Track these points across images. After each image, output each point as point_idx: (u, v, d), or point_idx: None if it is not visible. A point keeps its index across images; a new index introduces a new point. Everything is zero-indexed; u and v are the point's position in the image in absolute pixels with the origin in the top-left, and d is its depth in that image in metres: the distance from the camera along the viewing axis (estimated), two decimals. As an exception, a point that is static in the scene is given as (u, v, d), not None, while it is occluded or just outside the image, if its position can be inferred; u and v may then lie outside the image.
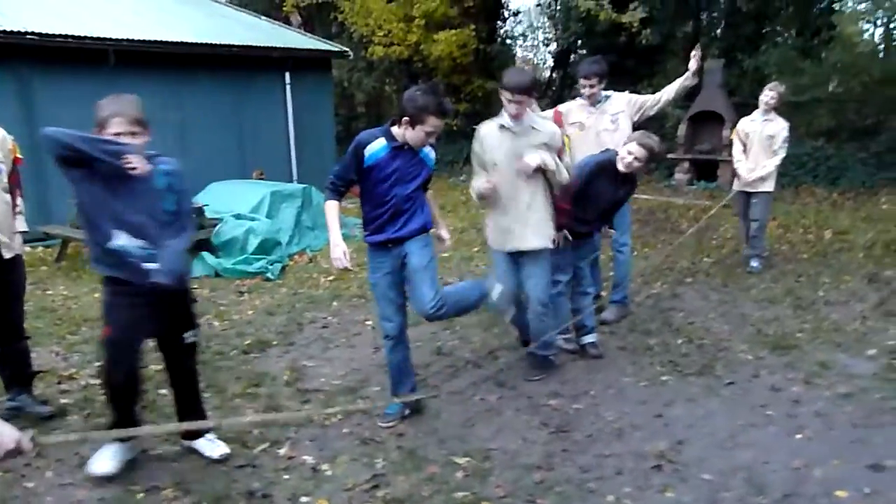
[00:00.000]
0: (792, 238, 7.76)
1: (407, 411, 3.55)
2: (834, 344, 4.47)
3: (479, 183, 3.69)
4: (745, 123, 6.23)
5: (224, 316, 5.36)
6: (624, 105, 4.79)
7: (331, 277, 6.45)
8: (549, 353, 4.05)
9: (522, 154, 3.60)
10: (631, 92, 5.14)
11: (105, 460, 2.98)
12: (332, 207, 3.34)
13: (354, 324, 5.14)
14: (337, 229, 3.30)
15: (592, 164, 4.10)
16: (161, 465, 3.12)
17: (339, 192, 3.34)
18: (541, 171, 3.63)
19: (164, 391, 3.89)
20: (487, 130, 3.74)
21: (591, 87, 4.71)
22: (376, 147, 3.21)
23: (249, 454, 3.19)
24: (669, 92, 4.93)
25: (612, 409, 3.61)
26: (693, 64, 4.87)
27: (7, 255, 3.32)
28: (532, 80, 3.68)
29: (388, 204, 3.25)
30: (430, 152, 3.36)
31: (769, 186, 6.10)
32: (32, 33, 8.41)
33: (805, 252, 7.06)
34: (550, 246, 3.83)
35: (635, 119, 4.84)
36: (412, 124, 3.13)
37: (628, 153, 3.97)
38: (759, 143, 6.04)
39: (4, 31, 8.18)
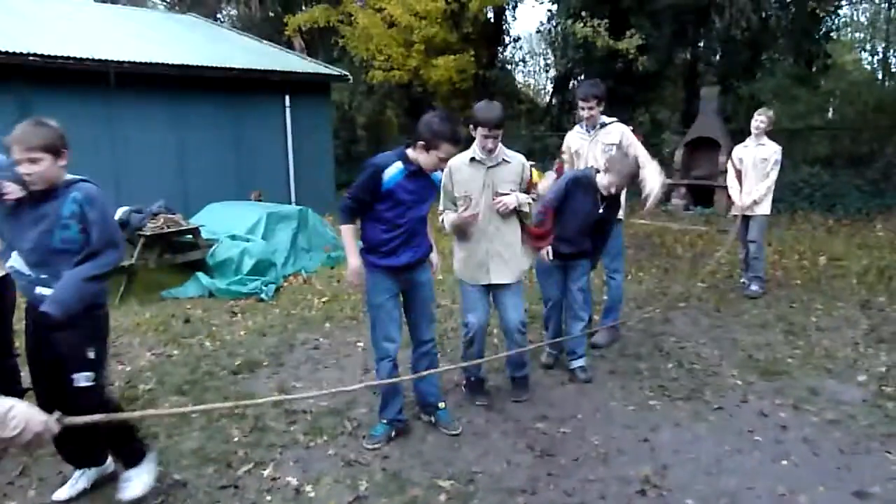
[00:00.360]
0: (786, 264, 7.77)
1: (393, 433, 3.54)
2: (824, 370, 4.47)
3: (454, 215, 3.65)
4: (738, 150, 6.37)
5: (216, 336, 5.36)
6: (618, 138, 4.77)
7: (325, 299, 6.46)
8: (526, 373, 4.10)
9: (496, 187, 3.65)
10: (628, 119, 5.12)
11: (66, 487, 2.98)
12: (348, 231, 3.39)
13: (346, 345, 5.14)
14: (355, 252, 3.37)
15: (568, 180, 4.18)
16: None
17: (355, 215, 3.37)
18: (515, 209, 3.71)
19: (151, 410, 3.91)
20: (457, 164, 3.68)
21: (590, 108, 4.71)
22: (394, 171, 3.24)
23: (233, 475, 3.18)
24: (649, 181, 4.53)
25: (599, 433, 3.60)
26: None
27: None
28: (502, 115, 3.64)
29: (402, 227, 3.29)
30: (438, 175, 3.49)
31: (765, 209, 6.20)
32: (34, 54, 8.54)
33: (799, 278, 7.07)
34: (523, 279, 3.93)
35: None
36: (427, 149, 3.20)
37: (609, 182, 4.06)
38: (752, 168, 6.16)
39: (6, 52, 8.30)
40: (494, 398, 4.05)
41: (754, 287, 6.30)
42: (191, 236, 7.20)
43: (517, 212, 3.75)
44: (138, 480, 2.93)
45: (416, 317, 3.55)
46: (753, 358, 4.70)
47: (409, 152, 3.26)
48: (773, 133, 6.33)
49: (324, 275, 7.52)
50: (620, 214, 4.72)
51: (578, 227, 4.18)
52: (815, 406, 3.89)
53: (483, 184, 3.65)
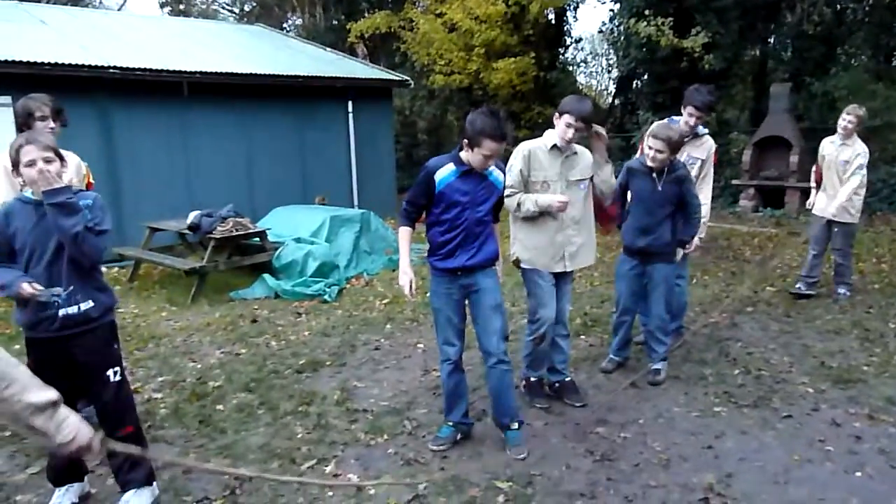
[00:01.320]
0: (863, 267, 7.43)
1: (458, 436, 3.56)
2: (903, 378, 4.26)
3: (547, 197, 3.65)
4: (824, 144, 6.04)
5: (281, 336, 5.52)
6: (703, 154, 4.70)
7: (385, 301, 6.57)
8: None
9: (568, 175, 3.75)
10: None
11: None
12: (404, 233, 3.44)
13: (406, 346, 5.21)
14: (407, 256, 3.42)
15: (623, 169, 4.29)
16: (211, 476, 3.23)
17: (411, 219, 3.42)
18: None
19: (220, 406, 4.07)
20: (535, 149, 3.73)
21: (699, 118, 4.59)
22: (446, 172, 3.27)
23: (296, 470, 3.28)
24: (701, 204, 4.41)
25: (661, 439, 3.54)
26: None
27: None
28: (592, 109, 3.70)
29: (459, 228, 3.27)
30: (498, 175, 3.36)
31: (850, 217, 5.82)
32: (114, 67, 8.99)
33: (877, 282, 6.75)
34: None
35: None
36: (471, 146, 3.18)
37: (648, 147, 4.04)
38: (833, 168, 5.86)
39: (88, 66, 8.77)
40: (554, 401, 4.02)
41: (841, 291, 6.08)
42: (258, 239, 7.44)
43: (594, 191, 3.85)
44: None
45: (479, 327, 3.40)
46: (826, 365, 4.52)
47: (463, 154, 3.27)
48: (860, 133, 5.95)
49: (385, 277, 7.63)
50: (703, 200, 4.55)
51: (646, 210, 4.14)
52: (893, 416, 3.71)
53: (560, 171, 3.72)
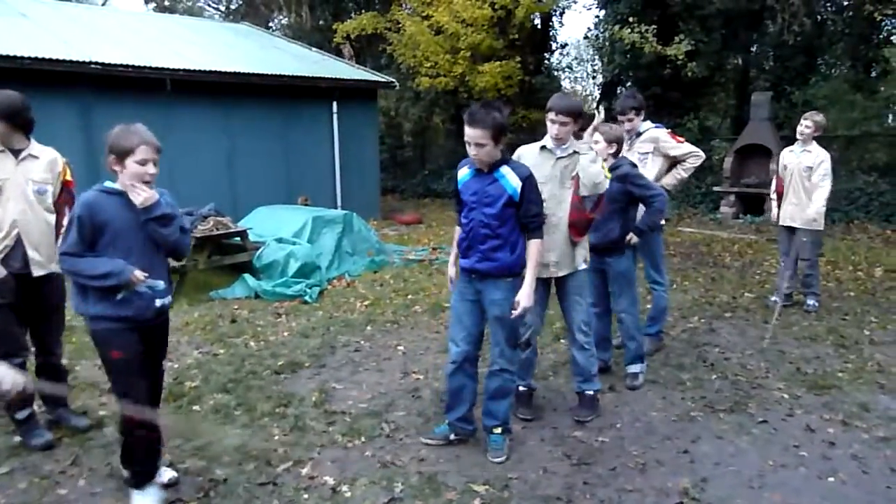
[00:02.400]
0: (840, 275, 7.54)
1: (452, 436, 3.54)
2: (876, 385, 4.32)
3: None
4: (784, 154, 6.11)
5: (260, 337, 5.48)
6: (650, 147, 4.80)
7: (366, 302, 6.54)
8: (596, 389, 3.92)
9: (565, 179, 3.61)
10: (676, 125, 5.07)
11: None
12: (455, 233, 3.51)
13: (386, 348, 5.19)
14: (452, 257, 3.52)
15: None
16: (185, 478, 3.19)
17: (459, 219, 3.43)
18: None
19: (196, 407, 4.03)
20: (527, 151, 3.73)
21: (629, 121, 4.78)
22: (465, 172, 3.34)
23: (272, 472, 3.25)
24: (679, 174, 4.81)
25: (638, 444, 3.55)
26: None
27: (37, 272, 3.42)
28: (576, 105, 3.63)
29: (468, 228, 3.28)
30: (511, 179, 3.19)
31: (817, 225, 5.84)
32: (96, 63, 8.90)
33: (853, 290, 6.84)
34: (584, 268, 3.81)
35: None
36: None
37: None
38: (797, 175, 5.88)
39: (70, 61, 8.68)
40: (533, 405, 4.02)
41: (811, 302, 6.08)
42: (239, 239, 7.38)
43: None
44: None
45: (490, 334, 3.37)
46: (801, 371, 4.57)
47: None
48: (826, 139, 6.07)
49: (367, 279, 7.61)
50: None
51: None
52: (866, 422, 3.76)
53: (550, 174, 3.61)
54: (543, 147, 3.68)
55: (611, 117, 4.38)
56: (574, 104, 3.63)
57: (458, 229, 3.45)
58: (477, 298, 3.34)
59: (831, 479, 3.17)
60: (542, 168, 3.62)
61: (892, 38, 15.07)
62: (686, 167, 4.79)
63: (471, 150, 3.16)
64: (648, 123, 4.87)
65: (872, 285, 7.02)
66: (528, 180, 3.21)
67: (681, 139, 4.87)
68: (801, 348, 5.05)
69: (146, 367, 2.89)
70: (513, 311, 3.23)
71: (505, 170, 3.21)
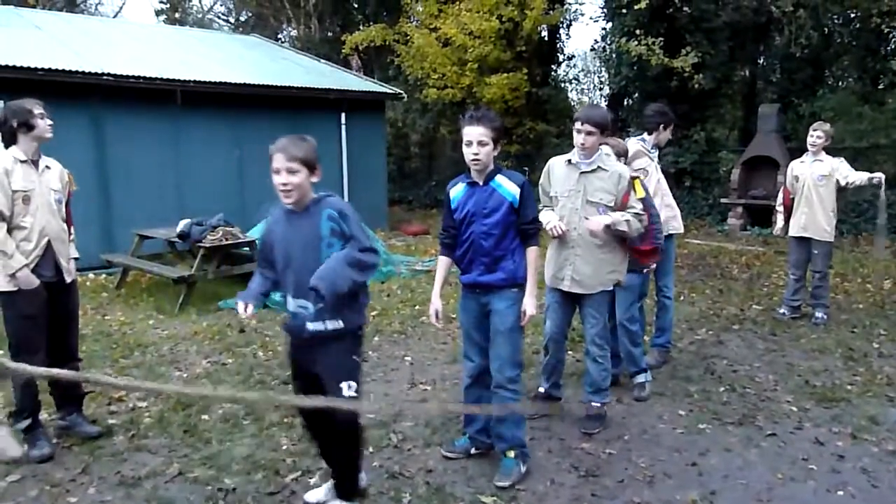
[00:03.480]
0: (849, 287, 7.52)
1: (473, 450, 3.54)
2: (886, 398, 4.30)
3: (551, 218, 3.64)
4: (795, 165, 6.14)
5: (269, 346, 5.50)
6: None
7: (374, 313, 6.56)
8: (604, 402, 3.94)
9: (588, 194, 3.62)
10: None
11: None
12: (439, 263, 3.45)
13: (393, 359, 5.20)
14: (436, 285, 3.44)
15: None
16: (194, 486, 3.21)
17: (444, 244, 3.39)
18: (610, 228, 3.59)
19: (205, 416, 4.04)
20: (556, 163, 3.79)
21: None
22: (459, 189, 3.30)
23: (281, 482, 3.26)
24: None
25: (646, 456, 3.55)
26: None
27: (68, 279, 3.59)
28: (602, 115, 3.65)
29: (466, 243, 3.25)
30: (509, 188, 3.18)
31: (828, 236, 5.90)
32: (108, 74, 8.99)
33: (862, 302, 6.82)
34: (609, 289, 3.79)
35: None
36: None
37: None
38: (810, 185, 5.91)
39: (83, 72, 8.77)
40: (541, 417, 4.03)
41: (819, 314, 6.06)
42: (248, 249, 7.43)
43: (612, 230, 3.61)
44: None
45: (490, 348, 3.30)
46: (810, 384, 4.56)
47: None
48: (834, 151, 6.10)
49: (374, 289, 7.62)
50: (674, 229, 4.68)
51: None
52: (875, 435, 3.75)
53: (574, 188, 3.64)
54: (569, 161, 3.72)
55: (618, 128, 4.31)
56: (599, 114, 3.65)
57: (441, 259, 3.41)
58: (483, 312, 3.33)
59: (840, 492, 3.16)
60: (567, 182, 3.68)
61: (899, 49, 15.09)
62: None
63: (471, 151, 3.13)
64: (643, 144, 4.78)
65: (881, 298, 7.00)
66: (525, 185, 3.23)
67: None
68: (810, 361, 5.03)
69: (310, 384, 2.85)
70: (521, 322, 3.24)
71: (500, 178, 3.22)
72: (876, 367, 4.88)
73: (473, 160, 3.15)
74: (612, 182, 3.64)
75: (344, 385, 2.78)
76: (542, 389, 4.14)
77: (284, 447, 3.64)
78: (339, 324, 2.78)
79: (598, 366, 3.85)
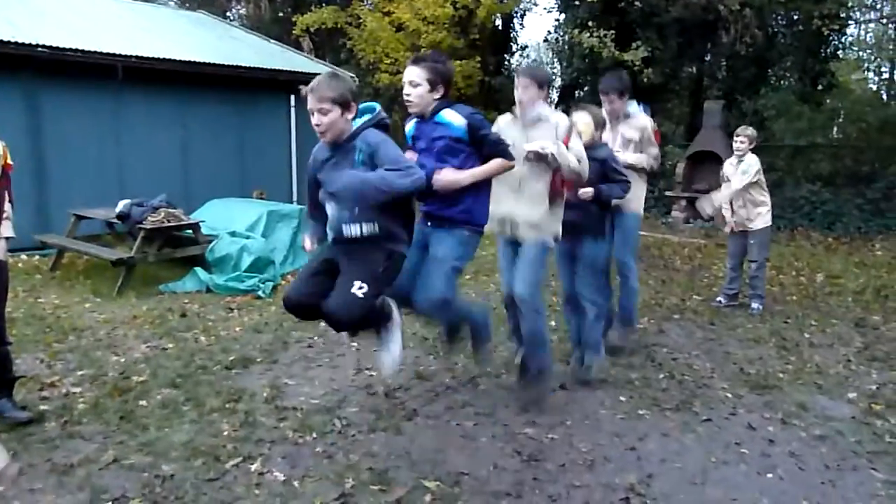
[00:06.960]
0: (783, 280, 7.80)
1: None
2: (815, 386, 4.49)
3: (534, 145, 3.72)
4: (725, 167, 6.51)
5: (211, 331, 5.38)
6: (637, 136, 4.85)
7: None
8: (542, 368, 3.97)
9: (527, 145, 3.67)
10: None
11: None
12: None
13: (339, 345, 5.15)
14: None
15: None
16: (130, 474, 3.13)
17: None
18: (545, 160, 3.63)
19: (143, 402, 3.94)
20: (502, 119, 3.96)
21: (610, 103, 4.81)
22: (410, 125, 3.49)
23: (221, 468, 3.20)
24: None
25: (587, 441, 3.62)
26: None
27: (1, 257, 3.39)
28: (538, 71, 3.89)
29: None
30: (452, 118, 3.27)
31: (763, 223, 6.19)
32: (44, 46, 8.57)
33: (795, 294, 7.09)
34: (546, 240, 3.80)
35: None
36: None
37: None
38: (738, 183, 6.17)
39: (17, 43, 8.34)
40: (485, 401, 4.06)
41: (755, 305, 6.30)
42: (191, 231, 7.23)
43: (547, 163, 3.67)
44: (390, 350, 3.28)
45: (420, 278, 3.35)
46: (745, 371, 4.72)
47: None
48: (773, 149, 6.37)
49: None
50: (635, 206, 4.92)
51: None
52: (804, 421, 3.91)
53: (516, 139, 3.68)
54: (514, 116, 3.85)
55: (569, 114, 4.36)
56: (536, 69, 3.86)
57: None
58: (424, 243, 3.40)
59: (770, 475, 3.29)
60: (509, 133, 3.74)
61: (838, 52, 15.69)
62: (647, 163, 4.88)
63: (405, 93, 3.25)
64: (636, 107, 4.92)
65: (813, 290, 7.29)
66: (472, 115, 3.30)
67: (659, 139, 5.00)
68: (745, 350, 5.21)
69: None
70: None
71: (446, 112, 3.30)
72: (806, 356, 5.09)
73: (406, 100, 3.26)
74: (552, 130, 3.71)
75: (357, 283, 2.94)
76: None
77: (225, 433, 3.57)
78: (374, 228, 3.00)
79: (525, 322, 3.89)
